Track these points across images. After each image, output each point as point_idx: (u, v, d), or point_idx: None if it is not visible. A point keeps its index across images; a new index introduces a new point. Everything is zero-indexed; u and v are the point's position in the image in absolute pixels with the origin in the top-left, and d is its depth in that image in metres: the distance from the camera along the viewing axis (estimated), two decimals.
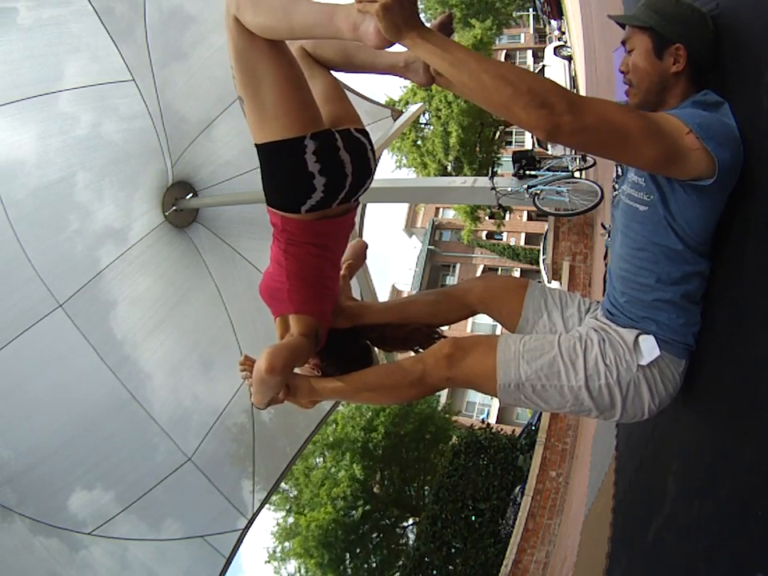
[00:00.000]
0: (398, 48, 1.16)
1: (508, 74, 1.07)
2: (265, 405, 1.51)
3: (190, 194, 3.71)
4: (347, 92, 1.66)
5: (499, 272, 24.93)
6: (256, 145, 1.40)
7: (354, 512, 15.62)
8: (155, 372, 3.48)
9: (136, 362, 3.37)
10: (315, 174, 1.37)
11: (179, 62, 3.20)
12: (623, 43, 1.46)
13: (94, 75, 2.87)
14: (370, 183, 1.57)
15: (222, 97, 3.40)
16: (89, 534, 3.12)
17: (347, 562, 16.34)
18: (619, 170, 1.54)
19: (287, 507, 16.76)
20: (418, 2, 1.13)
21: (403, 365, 1.49)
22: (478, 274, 24.93)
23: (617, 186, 1.53)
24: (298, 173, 1.37)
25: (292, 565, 16.77)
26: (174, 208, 3.56)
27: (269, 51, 1.29)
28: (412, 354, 1.64)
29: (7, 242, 2.73)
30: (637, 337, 1.38)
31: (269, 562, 16.83)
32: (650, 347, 1.36)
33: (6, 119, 2.66)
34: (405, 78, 1.63)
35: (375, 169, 1.57)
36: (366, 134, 1.54)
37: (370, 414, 16.16)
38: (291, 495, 16.98)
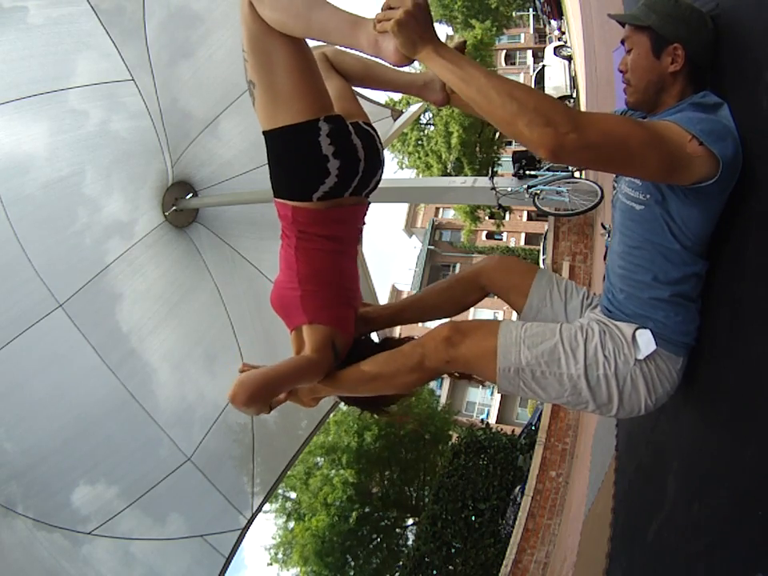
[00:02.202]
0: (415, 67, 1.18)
1: (515, 91, 1.09)
2: (265, 411, 1.44)
3: (190, 194, 3.71)
4: None
5: None
6: (266, 132, 1.37)
7: (350, 516, 15.61)
8: (157, 371, 3.48)
9: (137, 361, 3.37)
10: (329, 156, 1.34)
11: (181, 61, 3.19)
12: (623, 42, 1.46)
13: (102, 73, 2.88)
14: (381, 176, 1.54)
15: (223, 97, 3.40)
16: (89, 533, 3.12)
17: (348, 565, 16.35)
18: None
19: (287, 512, 16.78)
20: (432, 18, 1.14)
21: (402, 351, 1.47)
22: None
23: (616, 186, 1.54)
24: (312, 155, 1.35)
25: (294, 571, 16.86)
26: (174, 208, 3.56)
27: (284, 37, 1.28)
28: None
29: (7, 241, 2.73)
30: (635, 331, 1.39)
31: (271, 564, 16.91)
32: (646, 341, 1.36)
33: (4, 118, 2.66)
34: (421, 97, 1.63)
35: (384, 161, 1.55)
36: (373, 128, 1.53)
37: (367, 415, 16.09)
38: (290, 499, 16.97)
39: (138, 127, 3.16)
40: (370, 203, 1.58)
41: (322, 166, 1.35)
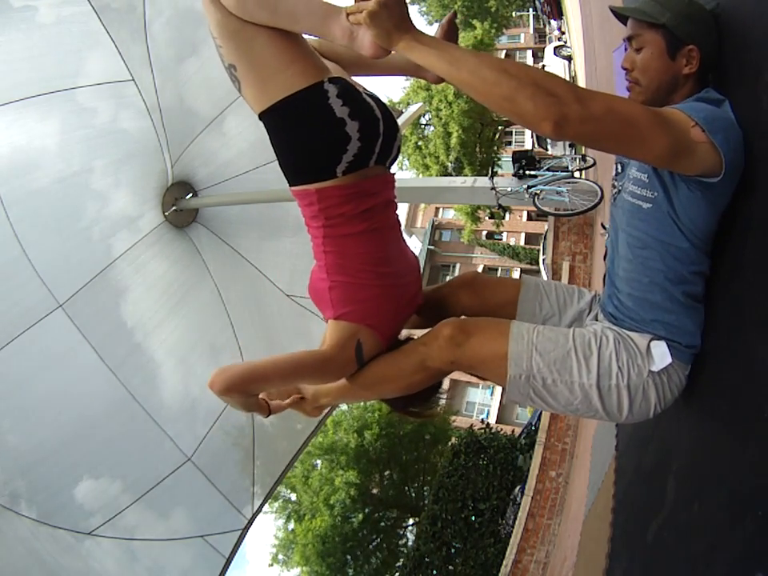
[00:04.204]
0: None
1: (510, 67, 1.05)
2: (260, 411, 1.39)
3: (190, 194, 3.71)
4: None
5: (499, 272, 24.89)
6: (263, 113, 1.20)
7: (353, 517, 15.58)
8: (161, 367, 3.49)
9: (140, 357, 3.37)
10: (346, 119, 1.18)
11: (186, 60, 3.19)
12: (628, 39, 1.41)
13: (108, 73, 2.88)
14: (400, 141, 1.40)
15: (223, 97, 3.40)
16: (89, 534, 3.12)
17: (348, 565, 16.37)
18: (619, 166, 1.50)
19: (287, 514, 16.78)
20: (408, 6, 1.09)
21: (404, 351, 1.39)
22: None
23: (616, 183, 1.50)
24: (326, 122, 1.18)
25: (295, 571, 16.90)
26: (174, 208, 3.56)
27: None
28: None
29: (7, 242, 2.73)
30: (649, 342, 1.35)
31: (272, 564, 16.93)
32: (661, 354, 1.33)
33: (9, 118, 2.66)
34: (419, 77, 1.54)
35: (399, 125, 1.40)
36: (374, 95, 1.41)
37: (367, 414, 16.15)
38: (291, 500, 16.99)
39: (139, 127, 3.16)
40: (395, 175, 1.43)
41: (340, 130, 1.18)
